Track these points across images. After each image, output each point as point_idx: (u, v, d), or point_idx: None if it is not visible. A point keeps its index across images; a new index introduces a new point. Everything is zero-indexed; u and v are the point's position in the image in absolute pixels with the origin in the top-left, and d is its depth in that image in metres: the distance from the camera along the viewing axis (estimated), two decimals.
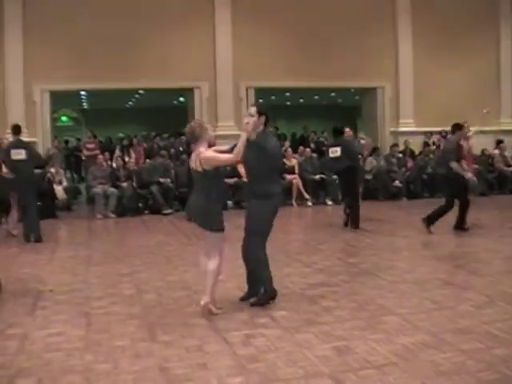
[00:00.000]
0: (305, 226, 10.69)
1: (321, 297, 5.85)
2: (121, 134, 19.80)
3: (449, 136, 10.22)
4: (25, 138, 12.91)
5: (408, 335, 4.65)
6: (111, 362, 4.30)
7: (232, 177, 12.54)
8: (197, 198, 5.19)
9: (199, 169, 5.13)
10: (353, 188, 10.22)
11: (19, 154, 9.47)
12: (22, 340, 4.80)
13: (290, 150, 14.32)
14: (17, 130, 9.76)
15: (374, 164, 14.47)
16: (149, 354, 4.44)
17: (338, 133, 10.39)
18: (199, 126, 5.24)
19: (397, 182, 14.37)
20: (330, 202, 13.75)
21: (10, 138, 11.48)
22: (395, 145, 15.44)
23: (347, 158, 10.09)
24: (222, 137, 14.62)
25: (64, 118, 30.95)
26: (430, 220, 9.35)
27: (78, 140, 24.42)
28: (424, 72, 16.39)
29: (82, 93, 22.55)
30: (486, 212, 11.30)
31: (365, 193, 14.20)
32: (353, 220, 10.04)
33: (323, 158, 14.62)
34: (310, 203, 13.26)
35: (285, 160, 13.65)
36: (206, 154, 5.13)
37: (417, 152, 15.90)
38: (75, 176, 19.94)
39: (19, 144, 9.67)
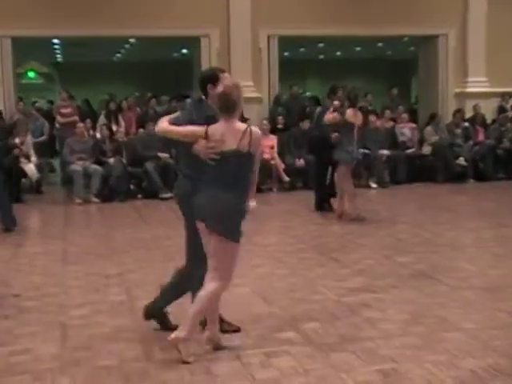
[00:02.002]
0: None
1: (363, 305, 5.84)
2: (107, 96, 19.79)
3: None
4: None
5: (477, 357, 4.63)
6: None
7: None
8: (223, 193, 4.72)
9: (244, 150, 4.72)
10: (319, 163, 11.00)
11: None
12: None
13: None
14: None
15: (434, 139, 14.36)
16: (143, 377, 4.46)
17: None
18: (237, 89, 4.86)
19: (461, 160, 14.26)
20: (374, 185, 13.70)
21: None
22: (460, 110, 15.28)
23: (315, 127, 11.22)
24: None
25: (31, 74, 31.09)
26: None
27: (50, 103, 24.49)
28: (501, 14, 16.11)
29: (55, 41, 22.54)
30: None
31: (419, 173, 14.15)
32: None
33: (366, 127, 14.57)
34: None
35: None
36: (259, 132, 4.85)
37: (490, 120, 15.74)
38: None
39: None
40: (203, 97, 5.05)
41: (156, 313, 5.31)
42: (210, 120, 4.84)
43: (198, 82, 5.15)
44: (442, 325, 5.32)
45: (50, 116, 17.89)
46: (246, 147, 4.69)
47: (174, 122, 4.97)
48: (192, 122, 4.90)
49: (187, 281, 5.11)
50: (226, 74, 5.11)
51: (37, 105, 23.46)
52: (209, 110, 4.94)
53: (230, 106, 4.75)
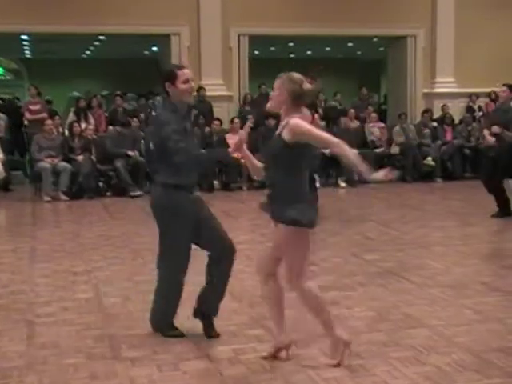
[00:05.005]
0: None
1: (330, 303, 5.85)
2: (76, 93, 19.69)
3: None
4: None
5: (442, 354, 4.69)
6: None
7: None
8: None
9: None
10: None
11: None
12: None
13: None
14: None
15: (401, 139, 14.46)
16: (110, 374, 4.46)
17: None
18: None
19: (429, 159, 14.39)
20: (343, 184, 13.76)
21: None
22: (429, 111, 15.41)
23: None
24: (208, 98, 14.59)
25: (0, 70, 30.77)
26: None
27: (17, 99, 24.29)
28: (469, 16, 16.24)
29: (24, 37, 22.36)
30: None
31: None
32: None
33: (335, 127, 14.64)
34: (317, 184, 13.25)
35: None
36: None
37: (457, 120, 15.90)
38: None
39: None
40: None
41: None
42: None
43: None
44: (407, 322, 5.38)
45: (18, 112, 17.61)
46: None
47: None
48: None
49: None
50: (186, 70, 4.97)
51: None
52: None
53: None
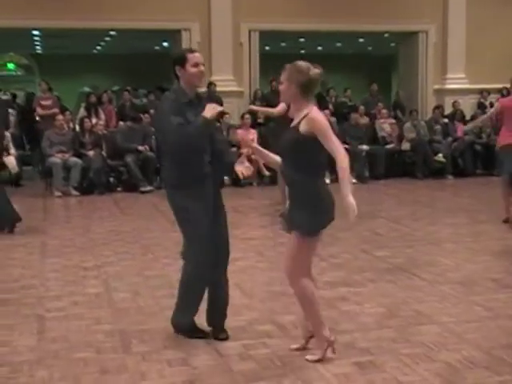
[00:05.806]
0: None
1: (340, 299, 5.89)
2: (86, 89, 19.72)
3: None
4: None
5: (452, 350, 4.68)
6: (70, 379, 4.33)
7: (233, 145, 12.52)
8: None
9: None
10: None
11: None
12: None
13: None
14: None
15: (412, 136, 14.42)
16: (120, 369, 4.47)
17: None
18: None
19: (440, 156, 14.36)
20: (353, 180, 13.72)
21: None
22: (440, 107, 15.38)
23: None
24: (218, 94, 14.59)
25: (11, 66, 30.81)
26: None
27: (31, 94, 24.34)
28: (480, 12, 16.22)
29: (35, 33, 22.40)
30: None
31: (398, 168, 14.25)
32: None
33: (346, 122, 14.62)
34: (327, 180, 13.26)
35: None
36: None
37: (468, 116, 15.86)
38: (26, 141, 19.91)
39: None
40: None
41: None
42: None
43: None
44: (417, 318, 5.38)
45: (30, 107, 17.68)
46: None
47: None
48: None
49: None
50: (196, 54, 4.87)
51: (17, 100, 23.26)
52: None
53: None
